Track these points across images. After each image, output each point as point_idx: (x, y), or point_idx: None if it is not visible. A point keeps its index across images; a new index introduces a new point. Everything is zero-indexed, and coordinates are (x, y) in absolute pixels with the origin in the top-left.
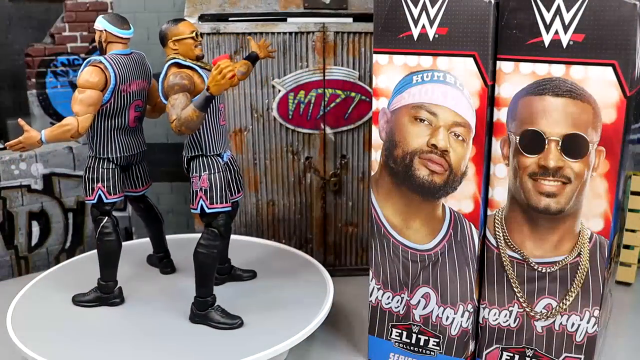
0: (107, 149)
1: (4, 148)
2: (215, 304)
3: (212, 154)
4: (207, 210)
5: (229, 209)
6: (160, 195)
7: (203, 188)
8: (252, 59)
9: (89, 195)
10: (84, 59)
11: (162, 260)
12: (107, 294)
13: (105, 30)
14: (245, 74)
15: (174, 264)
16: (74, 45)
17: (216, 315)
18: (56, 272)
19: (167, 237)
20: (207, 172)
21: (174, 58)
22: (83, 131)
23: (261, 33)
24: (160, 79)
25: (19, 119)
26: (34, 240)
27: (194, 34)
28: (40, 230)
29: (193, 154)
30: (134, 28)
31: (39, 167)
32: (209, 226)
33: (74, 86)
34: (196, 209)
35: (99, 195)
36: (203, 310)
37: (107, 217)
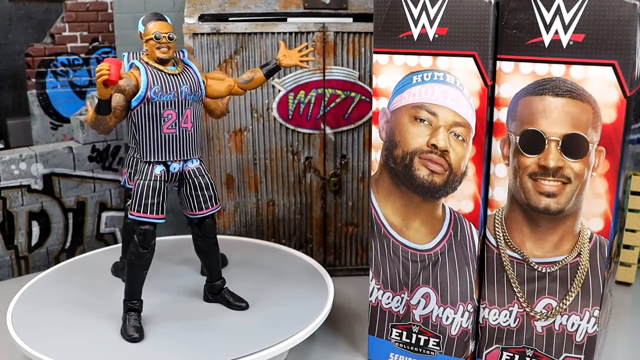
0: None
1: (4, 148)
2: (133, 313)
3: (147, 160)
4: (129, 216)
5: (148, 220)
6: None
7: (132, 192)
8: (268, 68)
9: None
10: (84, 59)
11: None
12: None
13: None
14: (248, 83)
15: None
16: (74, 45)
17: (125, 321)
18: (56, 271)
19: (167, 237)
20: (137, 177)
21: (141, 59)
22: None
23: (261, 33)
24: None
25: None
26: (34, 240)
27: (154, 35)
28: (40, 230)
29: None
30: (134, 28)
31: (39, 167)
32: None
33: (74, 86)
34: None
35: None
36: (124, 311)
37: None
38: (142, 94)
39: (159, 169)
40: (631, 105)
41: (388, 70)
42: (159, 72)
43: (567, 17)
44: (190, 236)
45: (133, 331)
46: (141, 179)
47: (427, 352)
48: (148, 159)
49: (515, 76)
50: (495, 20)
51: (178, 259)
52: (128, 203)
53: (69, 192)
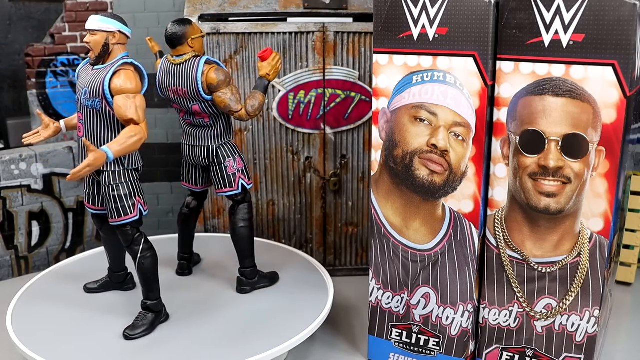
0: (136, 159)
1: (4, 148)
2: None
3: (232, 139)
4: (248, 186)
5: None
6: (160, 195)
7: (240, 169)
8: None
9: (130, 213)
10: (84, 59)
11: (126, 279)
12: (159, 311)
13: (119, 31)
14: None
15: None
16: (74, 45)
17: (262, 279)
18: (56, 271)
19: (168, 236)
20: (237, 154)
21: (198, 55)
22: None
23: (261, 33)
24: (198, 75)
25: (84, 139)
26: (34, 240)
27: (204, 33)
28: (40, 230)
29: (222, 142)
30: (134, 28)
31: (39, 167)
32: (243, 202)
33: (74, 86)
34: (237, 189)
35: (139, 209)
36: (254, 278)
37: (142, 232)
38: None
39: None
40: (631, 105)
41: (388, 70)
42: None
43: (567, 17)
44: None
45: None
46: (241, 153)
47: (427, 352)
48: (233, 138)
49: (515, 76)
50: (495, 20)
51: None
52: (145, 238)
53: (69, 192)
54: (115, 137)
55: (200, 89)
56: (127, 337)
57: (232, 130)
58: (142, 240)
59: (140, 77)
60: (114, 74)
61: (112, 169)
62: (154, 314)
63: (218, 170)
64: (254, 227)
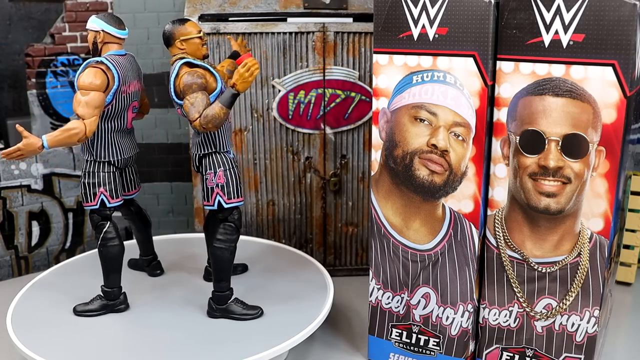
0: (108, 152)
1: (4, 148)
2: (233, 297)
3: (223, 150)
4: (226, 206)
5: (242, 202)
6: (160, 195)
7: (219, 184)
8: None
9: (90, 201)
10: (84, 59)
11: (151, 263)
12: (113, 300)
13: (102, 30)
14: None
15: (162, 266)
16: (74, 45)
17: (237, 307)
18: (56, 271)
19: (167, 237)
20: (222, 168)
21: (184, 57)
22: (90, 135)
23: (261, 33)
24: (172, 79)
25: (17, 125)
26: (34, 240)
27: (201, 34)
28: (40, 230)
29: (205, 152)
30: (134, 28)
31: (39, 167)
32: (225, 221)
33: (74, 86)
34: (212, 205)
35: (102, 199)
36: (223, 304)
37: (108, 222)
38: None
39: (230, 156)
40: (631, 105)
41: (388, 70)
42: (213, 68)
43: (567, 17)
44: (182, 235)
45: (254, 308)
46: (227, 169)
47: (427, 352)
48: (222, 149)
49: (515, 76)
50: (495, 20)
51: (178, 258)
52: (107, 228)
53: (69, 192)
54: (98, 127)
55: (172, 93)
56: (74, 311)
57: (220, 140)
58: (104, 230)
59: (113, 76)
60: (82, 70)
61: (86, 158)
62: (106, 301)
63: (201, 180)
64: (233, 252)
